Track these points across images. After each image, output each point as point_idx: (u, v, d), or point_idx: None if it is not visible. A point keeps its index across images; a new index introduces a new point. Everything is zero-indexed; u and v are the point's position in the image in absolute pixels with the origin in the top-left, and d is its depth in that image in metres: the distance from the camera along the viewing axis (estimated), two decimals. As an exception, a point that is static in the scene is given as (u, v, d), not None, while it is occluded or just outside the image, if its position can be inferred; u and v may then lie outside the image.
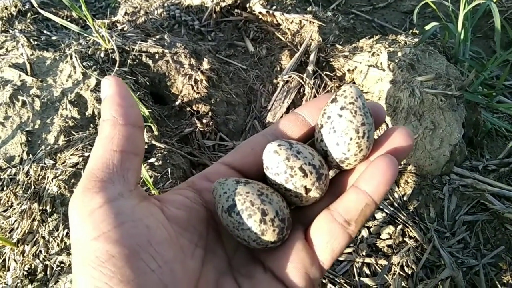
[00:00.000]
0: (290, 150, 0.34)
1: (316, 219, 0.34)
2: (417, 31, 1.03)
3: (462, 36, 0.92)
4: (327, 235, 0.33)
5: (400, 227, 0.73)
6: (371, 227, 0.74)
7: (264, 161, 0.35)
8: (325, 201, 0.36)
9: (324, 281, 0.68)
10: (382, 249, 0.72)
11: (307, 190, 0.34)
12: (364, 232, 0.73)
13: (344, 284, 0.68)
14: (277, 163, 0.34)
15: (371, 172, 0.33)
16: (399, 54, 0.85)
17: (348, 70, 0.92)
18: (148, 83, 0.87)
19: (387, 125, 0.81)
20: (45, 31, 1.05)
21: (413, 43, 0.90)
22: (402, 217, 0.74)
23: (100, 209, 0.28)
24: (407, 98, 0.78)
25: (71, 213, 0.29)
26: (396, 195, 0.77)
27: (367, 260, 0.70)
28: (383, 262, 0.70)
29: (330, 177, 0.38)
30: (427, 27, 0.92)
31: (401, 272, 0.68)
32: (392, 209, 0.75)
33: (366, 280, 0.68)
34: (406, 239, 0.72)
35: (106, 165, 0.30)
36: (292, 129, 0.39)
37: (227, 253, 0.36)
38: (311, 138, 0.39)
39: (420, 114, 0.78)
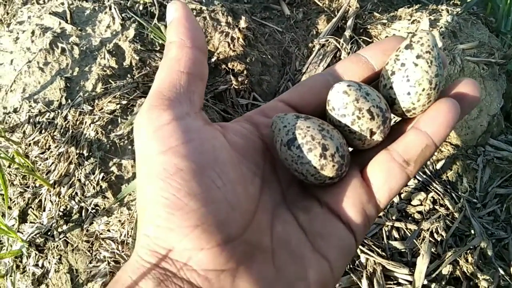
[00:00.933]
0: (359, 91, 0.33)
1: (374, 159, 0.34)
2: (458, 2, 1.00)
3: (505, 9, 0.90)
4: (385, 174, 0.33)
5: (431, 194, 0.73)
6: (402, 192, 0.74)
7: (330, 101, 0.34)
8: (384, 144, 0.35)
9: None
10: (412, 215, 0.72)
11: (372, 133, 0.34)
12: (395, 197, 0.73)
13: (373, 246, 0.68)
14: (345, 104, 0.33)
15: (432, 114, 0.33)
16: (441, 21, 0.83)
17: (387, 37, 0.91)
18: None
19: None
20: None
21: (455, 12, 0.88)
22: (434, 185, 0.73)
23: (168, 125, 0.28)
24: (447, 66, 0.76)
25: (138, 128, 0.29)
26: (428, 163, 0.76)
27: (397, 224, 0.70)
28: (412, 227, 0.70)
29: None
30: (470, -2, 0.90)
31: (430, 238, 0.68)
32: (424, 176, 0.74)
33: (395, 244, 0.68)
34: (437, 207, 0.72)
35: (173, 85, 0.30)
36: (354, 71, 0.38)
37: (282, 186, 0.36)
38: (374, 81, 0.39)
39: (459, 83, 0.77)
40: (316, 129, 0.33)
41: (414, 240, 0.68)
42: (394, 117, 0.38)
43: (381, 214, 0.71)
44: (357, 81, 0.35)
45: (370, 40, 0.92)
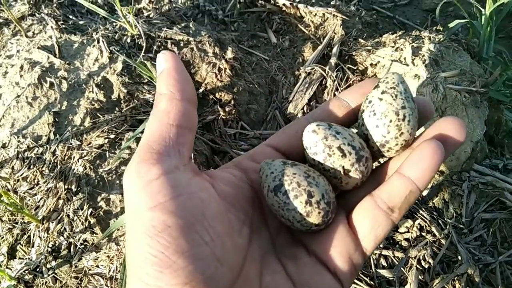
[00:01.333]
0: (329, 130, 0.34)
1: (359, 205, 0.34)
2: (441, 28, 1.03)
3: (486, 35, 0.92)
4: (371, 222, 0.33)
5: (418, 221, 0.73)
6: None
7: (303, 141, 0.35)
8: (368, 187, 0.36)
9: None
10: (400, 242, 0.73)
11: (346, 171, 0.34)
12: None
13: (361, 275, 0.68)
14: (315, 142, 0.34)
15: (416, 158, 0.32)
16: (423, 49, 0.85)
17: (371, 64, 0.92)
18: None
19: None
20: (71, 16, 1.06)
21: (437, 40, 0.90)
22: (421, 212, 0.74)
23: (157, 180, 0.28)
24: (429, 94, 0.78)
25: (127, 183, 0.29)
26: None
27: (384, 252, 0.71)
28: (400, 255, 0.70)
29: (373, 165, 0.38)
30: (451, 24, 0.92)
31: (418, 266, 0.69)
32: (410, 203, 0.75)
33: (383, 272, 0.69)
34: (424, 234, 0.73)
35: (162, 138, 0.31)
36: (336, 114, 0.39)
37: (271, 232, 0.36)
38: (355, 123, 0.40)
39: (442, 110, 0.78)
40: (302, 175, 0.33)
41: (402, 268, 0.69)
42: (384, 159, 0.39)
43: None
44: (328, 122, 0.36)
45: (355, 68, 0.94)
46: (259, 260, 0.33)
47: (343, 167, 0.34)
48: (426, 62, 0.82)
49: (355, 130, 0.38)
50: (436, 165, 0.32)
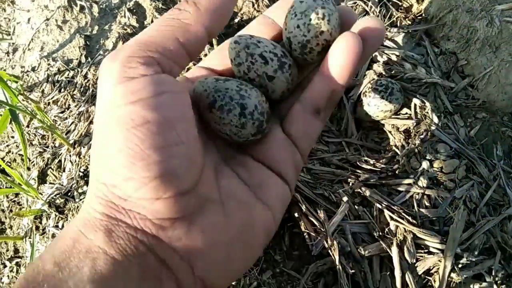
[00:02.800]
0: (250, 39, 0.35)
1: (290, 112, 0.36)
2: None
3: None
4: (302, 126, 0.35)
5: (464, 161, 0.70)
6: (433, 160, 0.71)
7: (228, 54, 0.36)
8: (297, 95, 0.37)
9: (380, 206, 0.65)
10: (444, 183, 0.69)
11: (270, 78, 0.35)
12: (425, 164, 0.70)
13: (403, 214, 0.65)
14: (237, 52, 0.35)
15: (334, 55, 0.32)
16: (479, -18, 0.79)
17: (417, 1, 0.87)
18: None
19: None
20: None
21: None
22: (468, 152, 0.70)
23: (143, 77, 0.27)
24: (484, 28, 0.73)
25: (106, 74, 0.27)
26: (462, 130, 0.73)
27: (428, 192, 0.67)
28: (445, 195, 0.67)
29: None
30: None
31: (463, 207, 0.65)
32: (457, 143, 0.71)
33: (426, 212, 0.66)
34: (470, 175, 0.69)
35: (163, 48, 0.28)
36: (262, 31, 0.39)
37: (218, 147, 0.36)
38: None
39: (496, 46, 0.73)
40: (234, 89, 0.34)
41: (447, 208, 0.66)
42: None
43: (411, 181, 0.68)
44: (250, 34, 0.36)
45: (400, 4, 0.88)
46: (213, 168, 0.33)
47: (266, 73, 0.35)
48: (482, -5, 0.75)
49: None
50: (355, 59, 0.32)
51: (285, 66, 0.36)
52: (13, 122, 0.61)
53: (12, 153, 0.73)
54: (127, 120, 0.26)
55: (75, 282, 0.25)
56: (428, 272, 0.62)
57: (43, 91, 0.72)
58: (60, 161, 0.69)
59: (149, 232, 0.27)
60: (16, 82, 0.68)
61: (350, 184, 0.69)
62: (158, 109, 0.27)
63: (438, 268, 0.61)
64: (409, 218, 0.65)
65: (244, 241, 0.31)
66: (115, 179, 0.27)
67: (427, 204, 0.67)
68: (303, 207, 0.65)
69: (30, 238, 0.68)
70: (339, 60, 0.32)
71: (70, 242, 0.27)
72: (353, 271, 0.61)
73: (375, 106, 0.72)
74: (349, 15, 0.36)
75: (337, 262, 0.61)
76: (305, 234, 0.64)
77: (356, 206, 0.67)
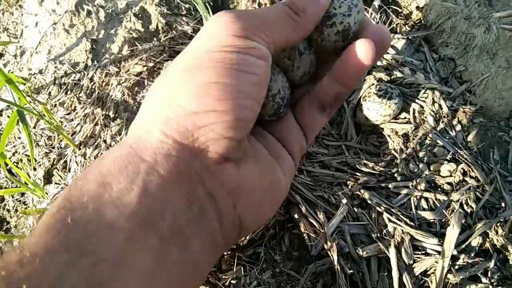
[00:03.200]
0: None
1: (300, 104, 0.38)
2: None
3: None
4: (308, 119, 0.38)
5: (461, 165, 0.71)
6: (431, 163, 0.72)
7: None
8: (310, 86, 0.39)
9: (378, 208, 0.67)
10: (442, 186, 0.70)
11: (300, 53, 0.36)
12: (423, 167, 0.71)
13: (401, 216, 0.67)
14: None
15: (348, 61, 0.33)
16: (477, -10, 0.80)
17: (417, 8, 0.88)
18: (211, 3, 0.86)
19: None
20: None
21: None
22: (465, 156, 0.71)
23: (256, 42, 0.30)
24: (481, 35, 0.74)
25: (226, 26, 0.29)
26: (459, 135, 0.75)
27: (426, 194, 0.68)
28: (442, 197, 0.68)
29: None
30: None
31: (460, 210, 0.67)
32: (455, 147, 0.72)
33: (424, 214, 0.67)
34: (467, 178, 0.70)
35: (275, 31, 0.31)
36: None
37: None
38: None
39: (493, 53, 0.74)
40: None
41: (444, 211, 0.67)
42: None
43: (409, 184, 0.70)
44: None
45: (400, 11, 0.90)
46: None
47: (298, 48, 0.36)
48: (479, 1, 0.77)
49: None
50: (368, 66, 0.33)
51: (312, 49, 0.37)
52: (20, 123, 0.62)
53: (19, 153, 0.74)
54: (238, 62, 0.28)
55: (123, 203, 0.25)
56: (425, 273, 0.63)
57: (49, 93, 0.73)
58: (65, 161, 0.71)
59: (206, 163, 0.29)
60: (24, 84, 0.70)
61: (350, 187, 0.70)
62: (262, 68, 0.30)
63: (435, 269, 0.62)
64: (407, 220, 0.66)
65: (271, 194, 0.34)
66: (198, 107, 0.28)
67: (424, 206, 0.68)
68: (303, 209, 0.67)
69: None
70: (352, 67, 0.33)
71: (119, 161, 0.26)
72: (351, 271, 0.62)
73: (375, 111, 0.74)
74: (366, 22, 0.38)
75: (335, 263, 0.62)
76: (304, 235, 0.65)
77: (355, 208, 0.68)
